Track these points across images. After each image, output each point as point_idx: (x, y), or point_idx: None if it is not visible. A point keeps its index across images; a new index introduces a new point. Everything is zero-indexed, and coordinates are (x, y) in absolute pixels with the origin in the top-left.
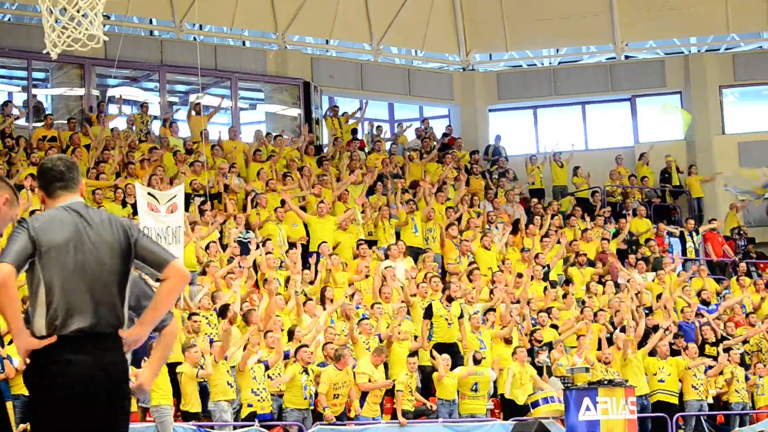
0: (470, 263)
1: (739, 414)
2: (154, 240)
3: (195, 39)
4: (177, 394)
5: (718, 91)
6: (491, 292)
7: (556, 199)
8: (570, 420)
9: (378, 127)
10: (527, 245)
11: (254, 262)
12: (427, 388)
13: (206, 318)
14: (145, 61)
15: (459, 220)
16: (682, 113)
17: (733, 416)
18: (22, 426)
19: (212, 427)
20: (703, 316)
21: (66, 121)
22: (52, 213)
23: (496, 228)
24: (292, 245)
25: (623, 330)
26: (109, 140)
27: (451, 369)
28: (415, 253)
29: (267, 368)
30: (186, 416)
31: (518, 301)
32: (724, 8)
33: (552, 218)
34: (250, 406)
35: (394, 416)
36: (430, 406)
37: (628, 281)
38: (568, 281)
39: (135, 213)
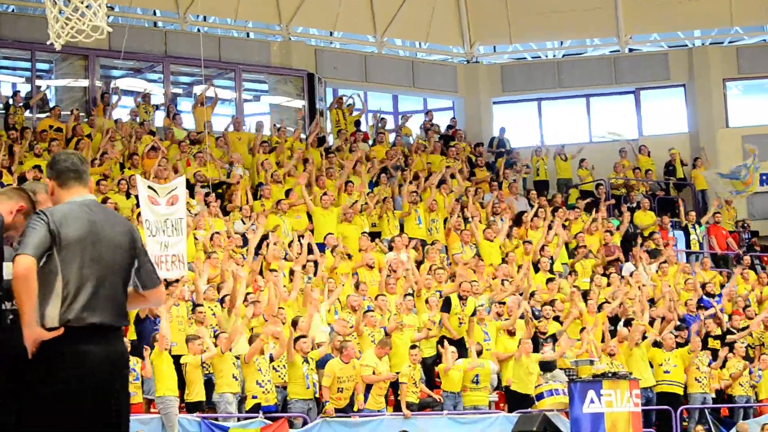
0: (474, 255)
1: (743, 407)
2: (154, 234)
3: (199, 30)
4: (182, 386)
5: (721, 84)
6: (502, 282)
7: (560, 192)
8: (574, 412)
9: (382, 119)
10: (531, 238)
11: (258, 253)
12: (429, 379)
13: (211, 309)
14: (148, 53)
15: (463, 211)
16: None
17: (736, 409)
18: None
19: (216, 419)
20: (706, 309)
21: (70, 112)
22: (68, 207)
23: (501, 220)
24: (299, 237)
25: (627, 323)
26: (113, 131)
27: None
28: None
29: (272, 360)
30: (189, 406)
31: (522, 293)
32: (728, 1)
33: (555, 211)
34: (254, 397)
35: (398, 408)
36: (440, 399)
37: (631, 274)
38: (572, 273)
39: (138, 205)
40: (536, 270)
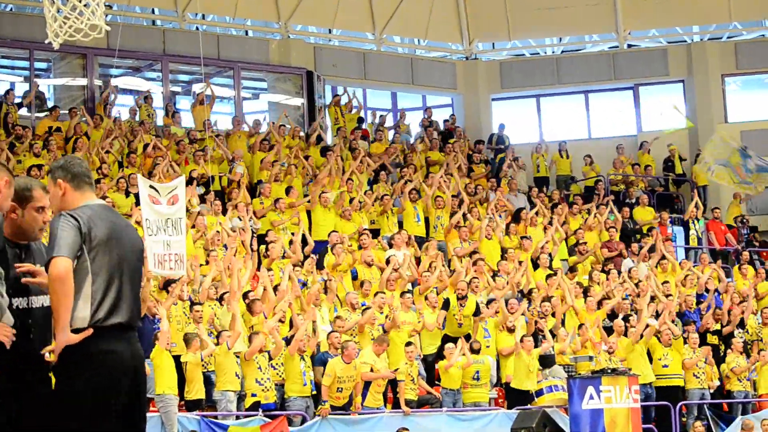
0: (473, 252)
1: (742, 402)
2: (155, 233)
3: (197, 29)
4: (181, 384)
5: (720, 79)
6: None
7: (559, 189)
8: (573, 409)
9: (381, 116)
10: (531, 235)
11: (258, 252)
12: (431, 377)
13: (211, 308)
14: (147, 51)
15: (462, 208)
16: (687, 122)
17: (735, 404)
18: None
19: (216, 417)
20: (703, 303)
21: (68, 111)
22: (91, 209)
23: (500, 217)
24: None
25: (625, 319)
26: (111, 131)
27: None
28: (417, 241)
29: (270, 358)
30: (189, 404)
31: (521, 290)
32: None
33: (554, 207)
34: (254, 395)
35: (397, 406)
36: (439, 396)
37: (629, 270)
38: (572, 269)
39: (138, 203)
40: (535, 267)
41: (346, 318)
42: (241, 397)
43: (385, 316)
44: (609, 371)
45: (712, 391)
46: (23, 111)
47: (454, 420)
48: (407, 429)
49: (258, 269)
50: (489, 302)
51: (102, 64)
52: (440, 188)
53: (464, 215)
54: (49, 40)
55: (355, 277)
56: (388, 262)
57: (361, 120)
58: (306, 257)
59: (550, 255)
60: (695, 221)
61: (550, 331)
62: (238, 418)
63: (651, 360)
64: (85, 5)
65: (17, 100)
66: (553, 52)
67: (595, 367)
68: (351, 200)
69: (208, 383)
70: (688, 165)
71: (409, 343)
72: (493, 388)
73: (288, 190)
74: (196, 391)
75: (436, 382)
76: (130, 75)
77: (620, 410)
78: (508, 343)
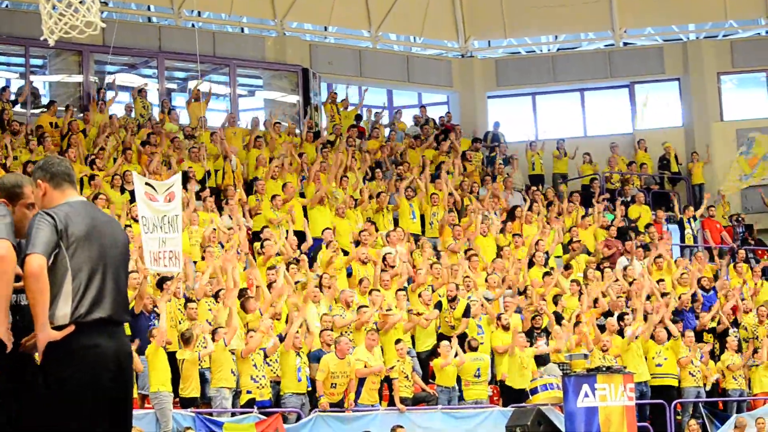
0: (467, 249)
1: (737, 400)
2: (151, 230)
3: (193, 26)
4: (175, 381)
5: (716, 77)
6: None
7: (554, 186)
8: (568, 407)
9: (377, 113)
10: (526, 232)
11: (254, 251)
12: (425, 374)
13: (207, 305)
14: (143, 48)
15: (456, 206)
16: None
17: (730, 403)
18: None
19: (211, 414)
20: (704, 303)
21: (64, 108)
22: (69, 206)
23: (495, 214)
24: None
25: (620, 318)
26: (107, 126)
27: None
28: (412, 239)
29: (266, 355)
30: (184, 401)
31: (517, 288)
32: None
33: (549, 205)
34: (249, 392)
35: (392, 403)
36: (434, 393)
37: (625, 268)
38: (567, 267)
39: (132, 200)
40: (531, 265)
41: (339, 314)
42: (236, 394)
43: (383, 312)
44: (604, 369)
45: (709, 387)
46: (17, 107)
47: (449, 417)
48: (402, 426)
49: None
50: (484, 299)
51: (97, 60)
52: (436, 185)
53: (458, 213)
54: (45, 37)
55: (349, 275)
56: (384, 259)
57: (358, 117)
58: (304, 253)
59: (546, 253)
60: (691, 220)
61: (545, 329)
62: (233, 415)
63: (646, 358)
64: (80, 2)
65: (11, 97)
66: (549, 50)
67: (590, 365)
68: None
69: (203, 380)
70: (685, 164)
71: (398, 341)
72: (488, 385)
73: (283, 187)
74: (191, 389)
75: (431, 380)
76: (125, 72)
77: (615, 408)
78: (502, 341)
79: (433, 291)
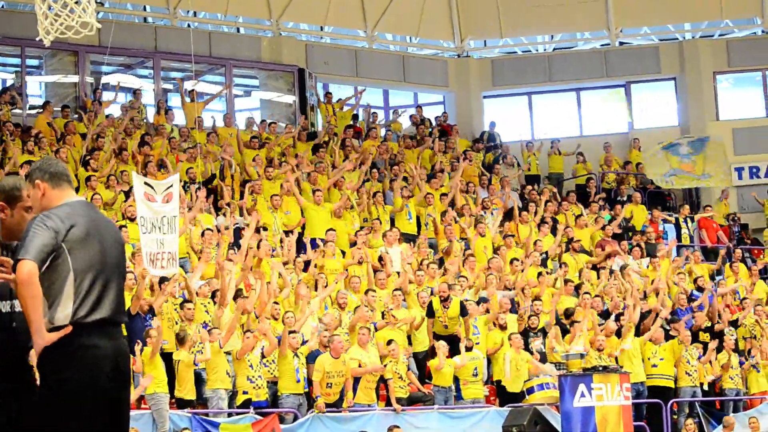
0: (464, 249)
1: (733, 400)
2: (149, 231)
3: (189, 26)
4: (171, 381)
5: (712, 77)
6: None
7: (551, 186)
8: (565, 406)
9: (373, 113)
10: (522, 232)
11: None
12: (421, 374)
13: (204, 305)
14: (139, 48)
15: (453, 206)
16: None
17: (727, 402)
18: None
19: (207, 415)
20: (694, 301)
21: (60, 109)
22: (70, 207)
23: (491, 214)
24: (286, 233)
25: (617, 318)
26: (103, 127)
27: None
28: (409, 239)
29: (263, 356)
30: (181, 403)
31: (513, 288)
32: None
33: (546, 204)
34: (245, 393)
35: (389, 403)
36: (429, 393)
37: (622, 268)
38: (561, 266)
39: (126, 200)
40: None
41: (333, 315)
42: (232, 395)
43: (381, 314)
44: (600, 369)
45: (707, 385)
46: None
47: (445, 417)
48: (399, 427)
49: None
50: (480, 301)
51: (93, 61)
52: (432, 186)
53: (456, 213)
54: (40, 37)
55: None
56: (380, 259)
57: (355, 117)
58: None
59: (546, 253)
60: (687, 219)
61: (542, 329)
62: (229, 415)
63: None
64: (76, 2)
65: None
66: (544, 50)
67: (586, 364)
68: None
69: (200, 381)
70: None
71: (390, 341)
72: (484, 385)
73: (280, 188)
74: (187, 390)
75: (427, 380)
76: (121, 72)
77: (611, 408)
78: (497, 342)
79: (432, 294)
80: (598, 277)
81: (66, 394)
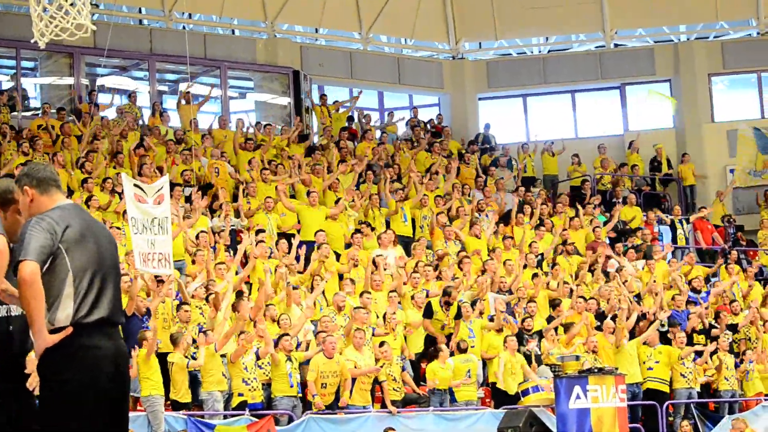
0: (459, 251)
1: (729, 401)
2: (141, 231)
3: (184, 28)
4: (166, 383)
5: (707, 79)
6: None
7: (546, 188)
8: (560, 408)
9: (367, 115)
10: (517, 234)
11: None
12: (417, 376)
13: (199, 308)
14: (134, 50)
15: (449, 208)
16: (669, 99)
17: (722, 404)
18: None
19: (203, 416)
20: (696, 304)
21: (56, 111)
22: (63, 210)
23: (486, 216)
24: (281, 235)
25: (613, 319)
26: (99, 130)
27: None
28: (404, 242)
29: (258, 358)
30: (176, 406)
31: (509, 290)
32: None
33: (541, 206)
34: (240, 395)
35: (384, 405)
36: (424, 394)
37: (617, 270)
38: (553, 266)
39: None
40: (523, 267)
41: (331, 317)
42: (228, 397)
43: (377, 316)
44: (596, 371)
45: (700, 386)
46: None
47: (440, 419)
48: (393, 429)
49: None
50: (474, 302)
51: (89, 63)
52: (427, 188)
53: (450, 215)
54: (35, 39)
55: (341, 278)
56: (374, 262)
57: (350, 119)
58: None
59: (541, 255)
60: (682, 221)
61: (538, 332)
62: (225, 417)
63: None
64: (71, 4)
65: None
66: (539, 52)
67: (581, 366)
68: (337, 201)
69: (195, 383)
70: (675, 164)
71: (382, 343)
72: (479, 387)
73: (275, 190)
74: (182, 393)
75: (422, 383)
76: (116, 74)
77: (607, 409)
78: (494, 343)
79: (428, 296)
80: (594, 280)
81: (67, 395)
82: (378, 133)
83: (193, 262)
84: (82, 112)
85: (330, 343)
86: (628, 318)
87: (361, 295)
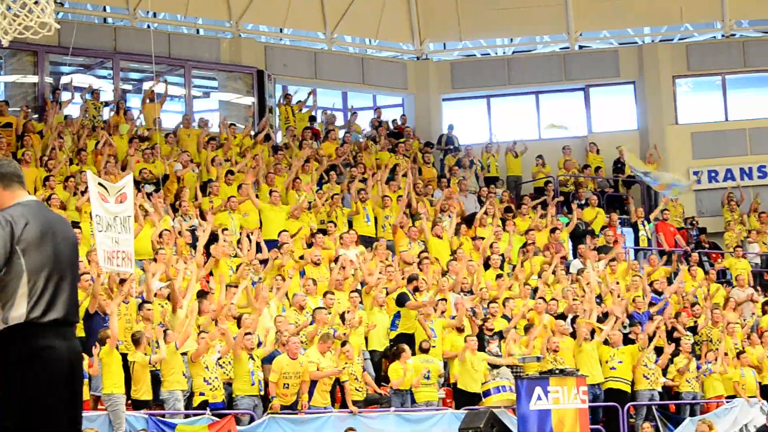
0: (421, 252)
1: (690, 403)
2: (105, 229)
3: (149, 27)
4: (127, 383)
5: (671, 81)
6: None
7: (509, 189)
8: (521, 409)
9: (332, 115)
10: (480, 235)
11: (207, 250)
12: (378, 375)
13: (161, 306)
14: (98, 49)
15: (410, 208)
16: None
17: (683, 405)
18: None
19: (164, 416)
20: (654, 305)
21: (19, 109)
22: (23, 207)
23: (449, 217)
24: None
25: (574, 320)
26: (62, 127)
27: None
28: (366, 241)
29: (219, 358)
30: (137, 404)
31: (471, 291)
32: None
33: (508, 211)
34: (201, 394)
35: (345, 405)
36: (386, 394)
37: (579, 271)
38: (515, 267)
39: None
40: (486, 267)
41: (294, 320)
42: (189, 396)
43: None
44: (557, 372)
45: (661, 387)
46: None
47: (402, 420)
48: (354, 429)
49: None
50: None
51: (53, 61)
52: (389, 188)
53: (412, 215)
54: None
55: (302, 277)
56: (336, 261)
57: (312, 119)
58: (260, 260)
59: (502, 256)
60: (644, 223)
61: (499, 333)
62: (186, 416)
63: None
64: (35, 2)
65: None
66: (504, 53)
67: (542, 367)
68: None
69: (156, 382)
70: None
71: (344, 343)
72: (441, 388)
73: (238, 189)
74: (143, 391)
75: (383, 383)
76: (81, 73)
77: (568, 411)
78: (454, 344)
79: (388, 294)
80: (557, 281)
81: (22, 395)
82: (341, 133)
83: (155, 260)
84: (46, 110)
85: (292, 344)
86: (589, 317)
87: (324, 295)
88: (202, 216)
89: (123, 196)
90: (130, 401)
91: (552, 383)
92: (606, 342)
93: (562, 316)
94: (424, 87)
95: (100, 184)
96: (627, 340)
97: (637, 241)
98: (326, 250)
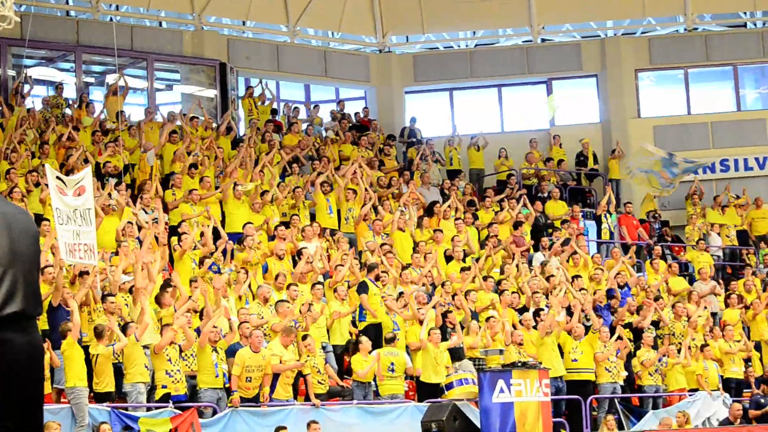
0: (383, 244)
1: (652, 396)
2: (65, 222)
3: (111, 19)
4: (90, 376)
5: (633, 74)
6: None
7: (472, 182)
8: (484, 402)
9: (295, 108)
10: (443, 228)
11: (169, 243)
12: (340, 369)
13: (124, 299)
14: (61, 42)
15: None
16: (551, 107)
17: (646, 398)
18: None
19: (126, 408)
20: (615, 298)
21: None
22: None
23: (412, 209)
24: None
25: (536, 313)
26: (25, 120)
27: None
28: (329, 234)
29: (181, 350)
30: (99, 397)
31: (433, 283)
32: None
33: (471, 204)
34: (164, 387)
35: (308, 398)
36: (348, 386)
37: (542, 264)
38: (478, 260)
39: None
40: (448, 260)
41: (257, 313)
42: (152, 389)
43: (300, 310)
44: (519, 365)
45: (623, 380)
46: None
47: (364, 413)
48: (317, 422)
49: (171, 262)
50: (399, 296)
51: (15, 54)
52: (353, 180)
53: (375, 208)
54: None
55: (265, 270)
56: (300, 254)
57: (274, 112)
58: (219, 250)
59: (464, 250)
60: (607, 216)
61: (461, 324)
62: (149, 409)
63: (562, 354)
64: None
65: None
66: (467, 46)
67: (505, 360)
68: (263, 193)
69: (118, 375)
70: (602, 159)
71: (305, 336)
72: (405, 380)
73: (200, 182)
74: (105, 383)
75: (346, 376)
76: (43, 65)
77: (530, 404)
78: (417, 337)
79: (350, 287)
80: (518, 273)
81: None
82: (304, 126)
83: (117, 253)
84: (8, 103)
85: (255, 337)
86: (552, 309)
87: (287, 287)
88: (165, 208)
89: (81, 189)
90: (92, 394)
91: (515, 376)
92: (568, 332)
93: (524, 309)
94: (387, 80)
95: (57, 177)
96: (586, 329)
97: (599, 235)
98: (289, 243)
